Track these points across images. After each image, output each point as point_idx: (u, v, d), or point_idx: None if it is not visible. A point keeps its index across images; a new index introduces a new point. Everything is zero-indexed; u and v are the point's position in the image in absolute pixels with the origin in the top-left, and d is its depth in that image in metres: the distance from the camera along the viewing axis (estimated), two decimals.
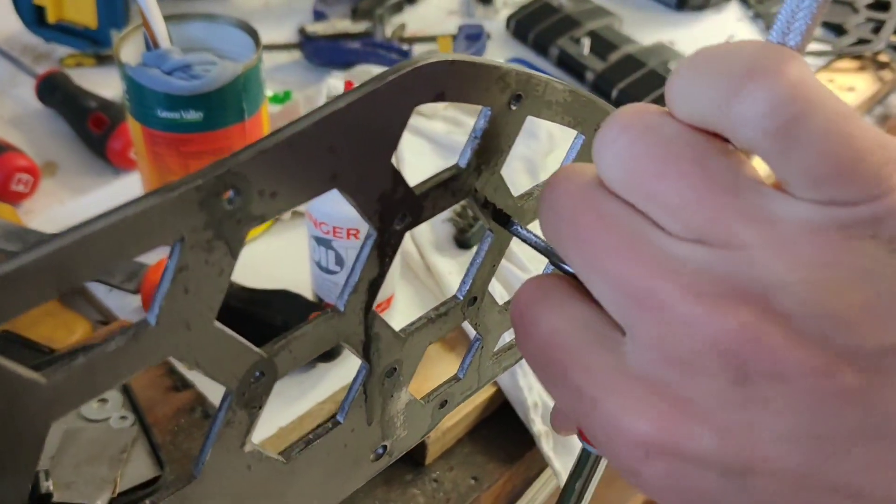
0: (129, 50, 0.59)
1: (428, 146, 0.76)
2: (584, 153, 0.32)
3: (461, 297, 0.31)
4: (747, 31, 1.02)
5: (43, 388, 0.19)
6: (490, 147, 0.28)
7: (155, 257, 0.57)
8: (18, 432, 0.19)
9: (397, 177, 0.25)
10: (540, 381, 0.23)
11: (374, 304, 0.27)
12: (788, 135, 0.18)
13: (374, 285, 0.27)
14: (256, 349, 0.24)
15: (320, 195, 0.23)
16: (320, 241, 0.54)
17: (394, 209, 0.25)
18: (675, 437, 0.19)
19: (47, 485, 0.44)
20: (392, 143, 0.24)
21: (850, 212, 0.18)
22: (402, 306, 0.61)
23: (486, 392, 0.55)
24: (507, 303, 0.34)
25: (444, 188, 0.27)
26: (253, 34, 0.61)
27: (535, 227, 0.31)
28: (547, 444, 0.54)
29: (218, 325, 0.22)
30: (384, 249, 0.26)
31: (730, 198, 0.19)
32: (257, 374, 0.25)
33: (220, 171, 0.20)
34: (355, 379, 0.29)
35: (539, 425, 0.55)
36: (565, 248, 0.21)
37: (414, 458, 0.53)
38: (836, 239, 0.18)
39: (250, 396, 0.25)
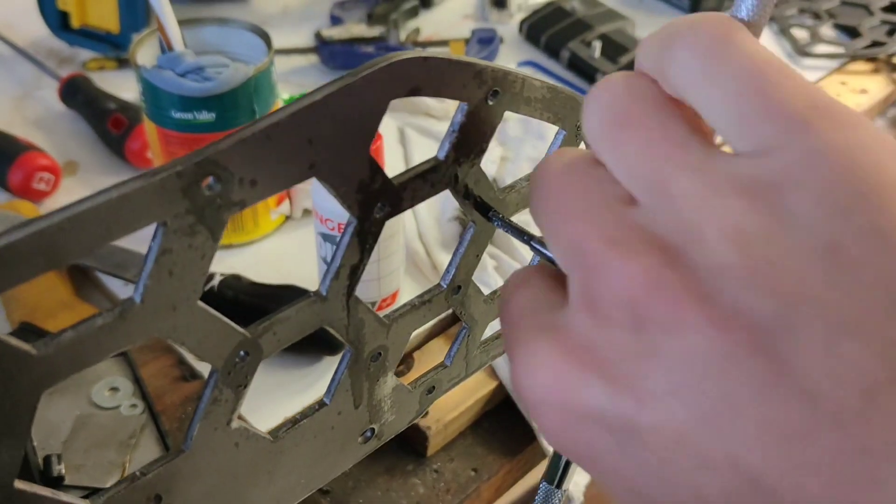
0: (145, 53, 0.61)
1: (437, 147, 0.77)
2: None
3: (444, 286, 0.32)
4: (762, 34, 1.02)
5: (34, 359, 0.21)
6: (469, 140, 0.29)
7: None
8: (12, 400, 0.21)
9: (374, 167, 0.26)
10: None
11: (356, 290, 0.28)
12: (710, 74, 0.19)
13: (355, 271, 0.28)
14: (240, 329, 0.26)
15: (301, 182, 0.25)
16: (326, 238, 0.55)
17: (373, 198, 0.27)
18: (568, 390, 0.19)
19: (59, 468, 0.45)
20: (369, 134, 0.25)
21: (781, 164, 0.18)
22: None
23: (488, 386, 0.56)
24: (493, 293, 0.35)
25: (423, 179, 0.28)
26: (265, 37, 0.63)
27: (516, 217, 0.33)
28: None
29: (202, 305, 0.24)
30: (364, 237, 0.27)
31: (675, 151, 0.19)
32: (242, 353, 0.26)
33: (200, 159, 0.22)
34: (340, 362, 0.30)
35: None
36: (538, 220, 0.22)
37: (416, 449, 0.54)
38: (762, 194, 0.17)
39: (236, 375, 0.26)
